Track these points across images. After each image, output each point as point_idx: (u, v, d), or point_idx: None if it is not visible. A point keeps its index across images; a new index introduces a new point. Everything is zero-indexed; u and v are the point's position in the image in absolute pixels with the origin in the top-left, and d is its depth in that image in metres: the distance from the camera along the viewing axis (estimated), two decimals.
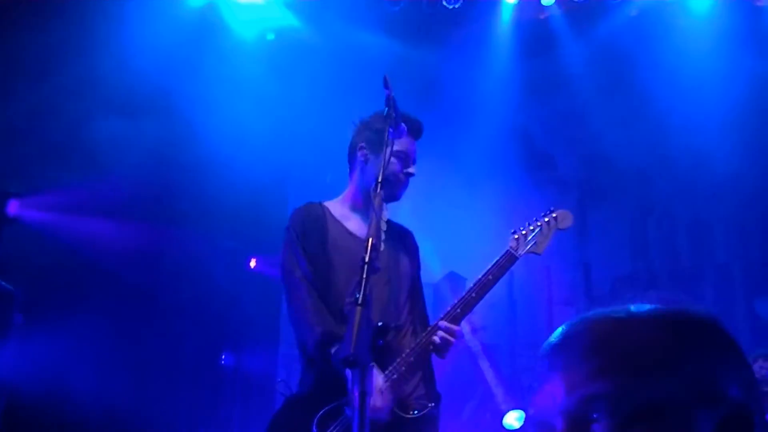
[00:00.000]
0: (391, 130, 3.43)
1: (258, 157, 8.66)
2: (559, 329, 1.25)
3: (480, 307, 3.96)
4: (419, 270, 4.31)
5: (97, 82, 7.28)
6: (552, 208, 4.23)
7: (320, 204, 4.26)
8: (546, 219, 4.16)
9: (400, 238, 4.25)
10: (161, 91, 7.69)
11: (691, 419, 1.07)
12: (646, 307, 1.21)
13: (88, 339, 6.77)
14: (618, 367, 1.11)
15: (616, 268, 10.38)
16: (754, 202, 9.68)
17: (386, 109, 3.45)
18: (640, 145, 9.86)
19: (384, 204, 3.50)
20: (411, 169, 4.07)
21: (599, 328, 1.19)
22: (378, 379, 3.62)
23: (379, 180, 3.19)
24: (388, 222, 4.16)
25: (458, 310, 3.82)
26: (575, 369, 1.15)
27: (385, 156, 3.29)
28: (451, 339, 3.76)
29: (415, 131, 4.13)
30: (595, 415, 1.09)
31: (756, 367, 8.51)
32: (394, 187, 3.94)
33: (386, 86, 3.39)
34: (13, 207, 5.90)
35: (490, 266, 3.95)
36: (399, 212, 4.39)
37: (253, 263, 9.14)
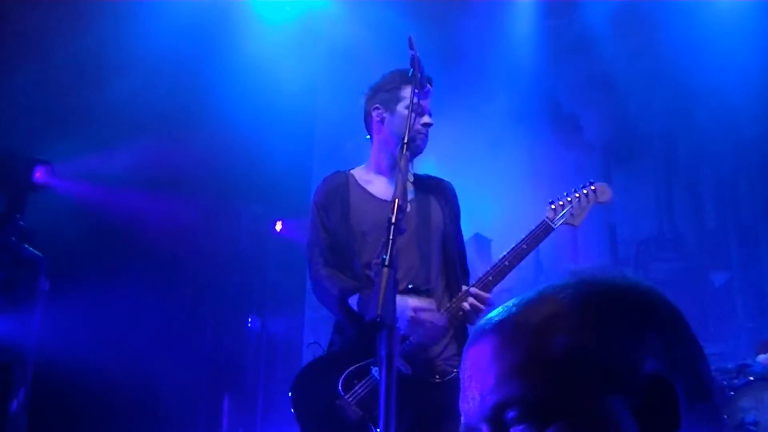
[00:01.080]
0: (416, 90, 3.41)
1: (283, 123, 8.67)
2: (474, 329, 1.23)
3: (500, 255, 3.93)
4: (456, 223, 4.23)
5: (120, 49, 7.28)
6: (592, 180, 4.15)
7: (345, 172, 4.23)
8: (585, 191, 4.07)
9: (435, 192, 4.17)
10: (186, 59, 7.68)
11: (607, 409, 1.05)
12: (555, 287, 1.17)
13: (115, 305, 6.82)
14: (525, 366, 1.09)
15: (641, 230, 10.34)
16: None
17: (411, 69, 3.43)
18: (665, 107, 9.81)
19: (410, 163, 3.49)
20: (426, 119, 3.99)
21: (505, 326, 1.15)
22: (417, 303, 3.62)
23: (405, 141, 3.16)
24: (421, 177, 4.16)
25: (490, 278, 3.77)
26: (486, 373, 1.12)
27: (410, 116, 3.27)
28: (482, 306, 3.73)
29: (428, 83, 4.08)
30: (510, 417, 1.08)
31: None
32: (414, 141, 3.89)
33: (411, 47, 3.37)
34: (40, 174, 5.91)
35: (525, 236, 3.90)
36: (424, 172, 4.37)
37: (278, 227, 9.16)
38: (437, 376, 3.75)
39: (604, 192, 4.11)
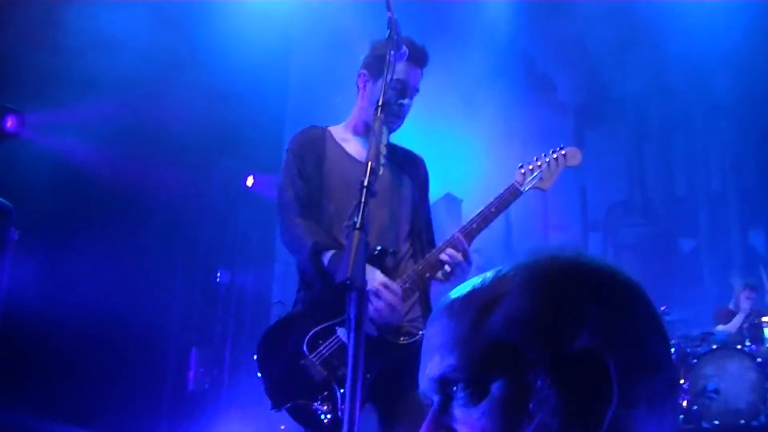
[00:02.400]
0: (392, 52, 3.38)
1: (256, 78, 8.62)
2: (434, 308, 1.28)
3: (471, 215, 3.93)
4: (426, 199, 4.17)
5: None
6: (562, 145, 4.14)
7: (323, 128, 4.18)
8: (554, 155, 4.03)
9: (408, 164, 4.15)
10: (162, 12, 7.61)
11: (533, 383, 1.09)
12: (512, 267, 1.21)
13: (84, 257, 6.79)
14: (464, 339, 1.15)
15: (611, 194, 10.43)
16: (750, 132, 9.69)
17: (388, 31, 3.39)
18: (638, 71, 9.84)
19: (384, 128, 3.46)
20: (405, 101, 3.95)
21: (456, 303, 1.21)
22: (386, 280, 3.62)
23: (380, 103, 3.14)
24: (395, 147, 4.13)
25: (458, 237, 3.79)
26: (434, 347, 1.19)
27: (385, 79, 3.25)
28: (459, 257, 3.73)
29: (418, 58, 4.05)
30: (451, 387, 1.14)
31: (742, 297, 8.61)
32: (387, 116, 3.85)
33: (388, 8, 3.34)
34: (11, 123, 5.84)
35: (493, 199, 3.88)
36: (399, 132, 4.34)
37: (250, 181, 9.13)
38: (402, 338, 3.75)
39: (575, 156, 4.07)
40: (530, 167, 3.93)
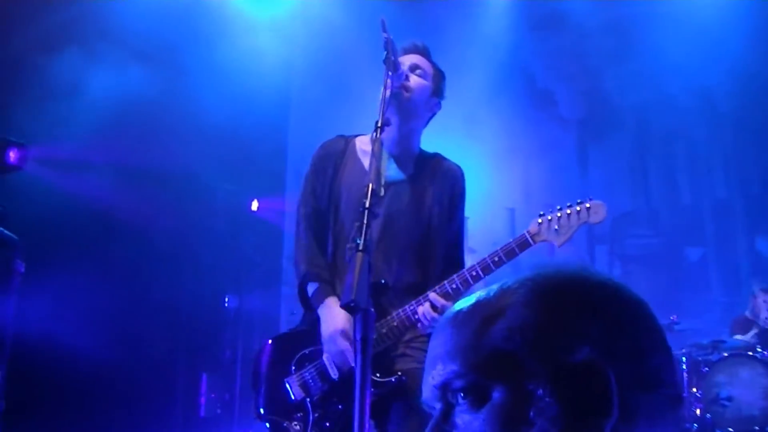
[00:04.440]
0: (390, 73, 3.37)
1: (259, 102, 8.65)
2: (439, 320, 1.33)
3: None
4: (456, 217, 3.96)
5: (92, 32, 7.24)
6: (590, 198, 3.83)
7: (347, 138, 4.05)
8: (578, 208, 3.73)
9: (439, 178, 3.95)
10: (163, 41, 7.64)
11: (531, 394, 1.11)
12: (517, 281, 1.23)
13: (91, 287, 6.79)
14: (466, 347, 1.18)
15: (616, 205, 10.42)
16: (753, 139, 9.69)
17: (385, 53, 3.38)
18: (638, 82, 9.85)
19: (384, 151, 3.43)
20: (407, 81, 3.80)
21: (459, 315, 1.23)
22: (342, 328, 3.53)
23: (378, 125, 3.12)
24: (428, 156, 3.97)
25: (454, 286, 3.60)
26: (437, 356, 1.21)
27: (384, 100, 3.23)
28: (434, 314, 3.55)
29: (406, 48, 3.95)
30: (454, 395, 1.18)
31: (760, 302, 8.57)
32: (400, 105, 3.74)
33: (384, 29, 3.33)
34: (14, 156, 5.86)
35: (499, 248, 3.67)
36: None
37: (255, 205, 9.16)
38: (377, 374, 3.65)
39: (598, 211, 3.67)
40: (549, 218, 3.67)
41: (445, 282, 3.54)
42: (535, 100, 10.42)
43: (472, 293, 1.29)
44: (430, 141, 4.20)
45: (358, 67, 4.22)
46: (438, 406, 1.20)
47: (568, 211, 3.69)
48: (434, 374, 1.20)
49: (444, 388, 1.19)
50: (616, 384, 1.11)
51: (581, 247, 10.16)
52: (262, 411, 3.76)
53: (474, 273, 3.54)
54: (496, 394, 1.13)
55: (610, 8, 9.63)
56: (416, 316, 3.51)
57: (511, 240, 3.58)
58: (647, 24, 9.51)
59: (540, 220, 3.63)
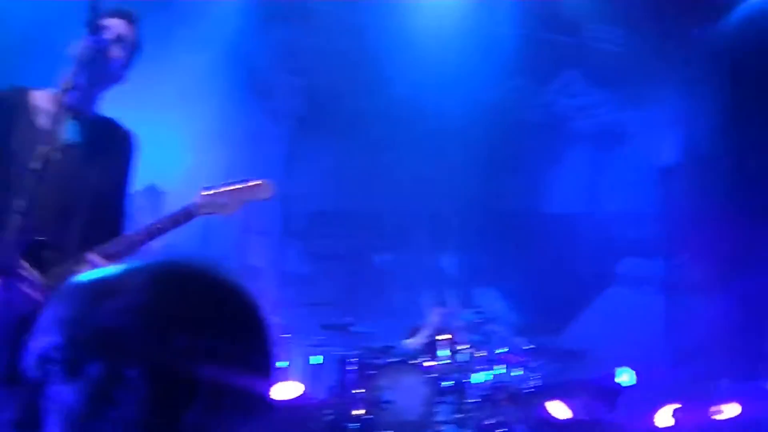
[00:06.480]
0: (90, 36, 3.31)
1: None
2: None
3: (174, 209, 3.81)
4: (120, 179, 3.99)
5: None
6: (254, 179, 4.00)
7: (26, 90, 3.81)
8: (242, 185, 3.95)
9: (110, 142, 3.92)
10: None
11: (123, 374, 1.16)
12: (142, 266, 1.30)
13: None
14: (69, 320, 1.22)
15: (318, 202, 10.62)
16: (474, 154, 10.14)
17: (89, 13, 3.29)
18: (363, 86, 10.04)
19: (63, 113, 3.32)
20: (106, 49, 3.68)
21: (71, 285, 1.28)
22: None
23: (66, 86, 3.04)
24: (102, 119, 3.86)
25: (115, 249, 3.61)
26: (41, 324, 1.25)
27: (78, 62, 3.17)
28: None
29: (117, 13, 3.85)
30: (49, 364, 1.21)
31: (430, 314, 9.05)
32: (92, 71, 3.62)
33: None
34: None
35: (165, 216, 3.77)
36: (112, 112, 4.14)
37: None
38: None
39: (264, 189, 4.03)
40: (212, 192, 3.84)
41: (109, 244, 3.55)
42: (254, 90, 10.42)
43: (136, 258, 1.31)
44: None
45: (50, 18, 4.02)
46: (33, 375, 1.22)
47: (233, 188, 3.94)
48: (35, 344, 1.22)
49: (42, 359, 1.21)
50: (206, 377, 1.18)
51: (274, 239, 10.28)
52: None
53: (139, 238, 3.62)
54: (92, 370, 1.16)
55: (355, 11, 9.81)
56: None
57: (177, 210, 3.71)
58: (379, 28, 9.78)
59: (205, 193, 3.82)
